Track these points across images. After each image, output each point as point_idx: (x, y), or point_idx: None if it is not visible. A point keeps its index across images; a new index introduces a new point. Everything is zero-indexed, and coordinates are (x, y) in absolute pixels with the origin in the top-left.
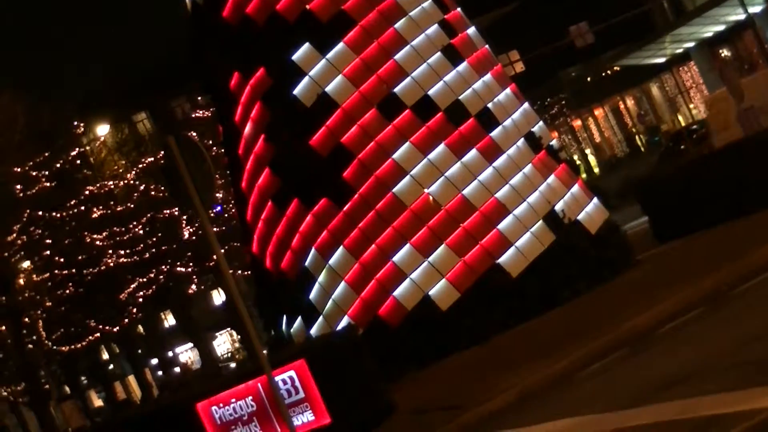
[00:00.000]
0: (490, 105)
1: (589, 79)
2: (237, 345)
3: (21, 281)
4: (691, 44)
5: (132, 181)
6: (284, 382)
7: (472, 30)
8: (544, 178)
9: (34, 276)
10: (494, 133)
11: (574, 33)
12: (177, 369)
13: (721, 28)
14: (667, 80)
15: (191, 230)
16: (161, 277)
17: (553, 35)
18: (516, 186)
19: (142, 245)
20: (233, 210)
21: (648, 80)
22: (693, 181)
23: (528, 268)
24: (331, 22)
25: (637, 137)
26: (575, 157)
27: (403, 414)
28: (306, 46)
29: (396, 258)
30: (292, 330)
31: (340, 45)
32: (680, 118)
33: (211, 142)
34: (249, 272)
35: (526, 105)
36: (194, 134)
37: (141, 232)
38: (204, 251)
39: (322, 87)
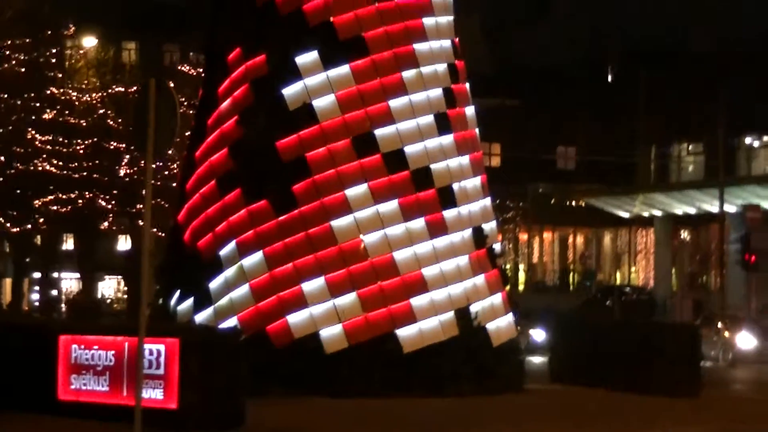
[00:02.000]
0: (455, 185)
1: (553, 201)
2: (120, 294)
3: None
4: (658, 213)
5: (95, 102)
6: (150, 352)
7: (470, 109)
8: (474, 275)
9: None
10: (447, 213)
11: (560, 153)
12: (54, 292)
13: (692, 210)
14: (622, 235)
15: (128, 171)
16: (81, 201)
17: (541, 144)
18: (445, 271)
19: (76, 164)
20: (175, 170)
21: (605, 227)
22: (600, 341)
23: (422, 350)
24: (346, 41)
25: (572, 274)
26: (508, 266)
27: (248, 428)
28: (314, 53)
29: (306, 285)
30: (179, 307)
31: (345, 67)
32: (618, 274)
33: (183, 99)
34: (163, 234)
35: (487, 200)
36: (172, 84)
37: (82, 152)
38: (131, 195)
39: (311, 98)
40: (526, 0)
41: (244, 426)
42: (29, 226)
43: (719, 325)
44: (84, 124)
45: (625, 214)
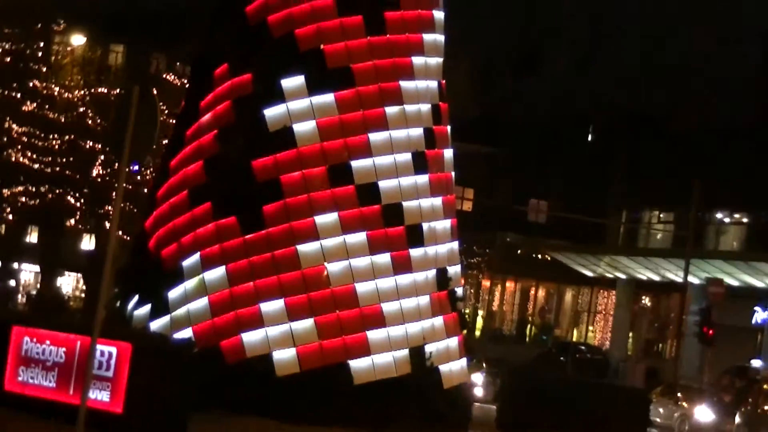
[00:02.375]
0: (425, 225)
1: (519, 251)
2: (78, 293)
3: None
4: (622, 276)
5: (76, 99)
6: (102, 354)
7: (449, 152)
8: (433, 316)
9: None
10: (414, 252)
11: (532, 206)
12: (12, 282)
13: (656, 277)
14: (584, 293)
15: (101, 172)
16: (50, 195)
17: (514, 194)
18: (404, 308)
19: (50, 159)
20: (148, 176)
21: (568, 283)
22: (551, 396)
23: (372, 384)
24: (334, 71)
25: (529, 326)
26: (467, 311)
27: None
28: (300, 78)
29: (264, 306)
30: (135, 312)
31: (330, 96)
32: (575, 332)
33: (165, 108)
34: (129, 238)
35: (455, 244)
36: (155, 92)
37: (57, 147)
38: (101, 196)
39: (292, 122)
40: (517, 53)
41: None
42: None
43: (679, 395)
44: (63, 120)
45: (590, 273)
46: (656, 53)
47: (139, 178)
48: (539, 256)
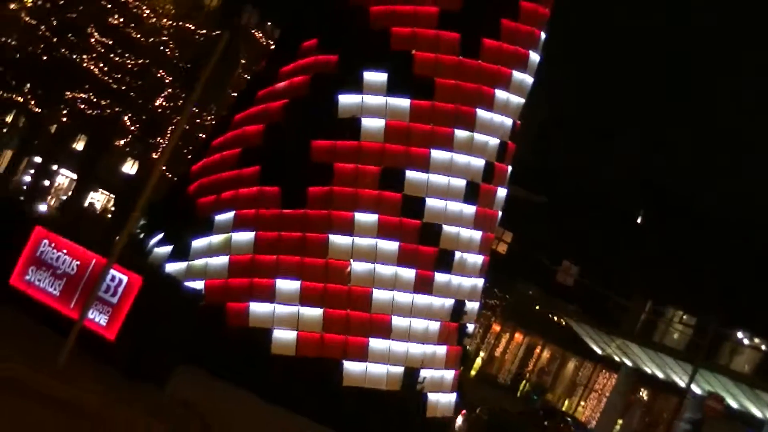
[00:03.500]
0: (457, 254)
1: (537, 307)
2: (105, 213)
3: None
4: (628, 362)
5: (162, 27)
6: (113, 278)
7: (502, 191)
8: (438, 343)
9: (23, 15)
10: (439, 276)
11: (564, 267)
12: (47, 182)
13: (660, 374)
14: (587, 367)
15: (163, 104)
16: (108, 111)
17: (551, 247)
18: (413, 327)
19: (119, 75)
20: (207, 121)
21: (574, 353)
22: None
23: (359, 390)
24: (417, 78)
25: (524, 382)
26: (469, 348)
27: (166, 388)
28: (383, 75)
29: (280, 282)
30: (156, 249)
31: (406, 101)
32: (567, 401)
33: (244, 61)
34: (171, 176)
35: (480, 281)
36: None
37: (129, 66)
38: (156, 127)
39: (362, 114)
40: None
41: (164, 385)
42: (49, 111)
43: None
44: (143, 42)
45: (598, 350)
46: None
47: (198, 120)
48: (555, 317)
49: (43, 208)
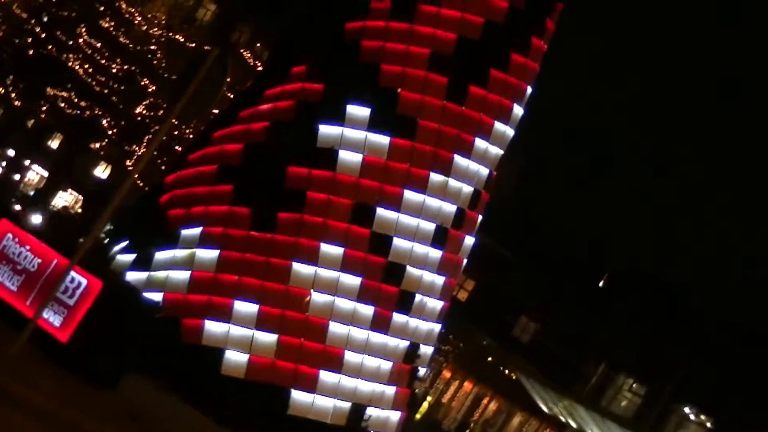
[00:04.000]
0: (418, 296)
1: (489, 359)
2: (71, 211)
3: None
4: (573, 424)
5: (151, 35)
6: (72, 280)
7: (470, 239)
8: (388, 383)
9: (15, 7)
10: (397, 317)
11: (521, 323)
12: (17, 177)
13: None
14: (531, 424)
15: (144, 112)
16: (88, 112)
17: (511, 303)
18: (365, 364)
19: (103, 78)
20: (186, 133)
21: (521, 408)
22: None
23: (302, 421)
24: (401, 117)
25: (468, 431)
26: (418, 391)
27: (114, 395)
28: (366, 109)
29: (238, 303)
30: (118, 256)
31: (386, 138)
32: None
33: (229, 79)
34: (142, 185)
35: (437, 327)
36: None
37: (114, 71)
38: (134, 135)
39: (340, 146)
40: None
41: (113, 391)
42: (29, 106)
43: None
44: (131, 49)
45: (545, 408)
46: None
47: (176, 132)
48: (507, 371)
49: (36, 220)
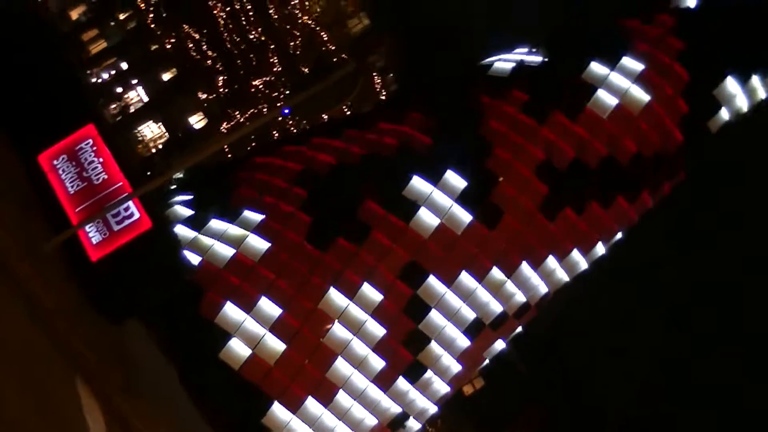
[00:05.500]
0: (428, 372)
1: None
2: (152, 144)
3: None
4: None
5: (300, 22)
6: (126, 209)
7: (500, 344)
8: None
9: None
10: (400, 383)
11: None
12: (120, 89)
13: None
14: None
15: (261, 87)
16: (209, 63)
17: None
18: (352, 411)
19: (238, 39)
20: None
21: None
22: None
23: None
24: (490, 203)
25: None
26: None
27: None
28: (462, 181)
29: (264, 301)
30: (177, 206)
31: (468, 217)
32: None
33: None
34: (230, 156)
35: (435, 408)
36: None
37: (251, 36)
38: (241, 102)
39: (424, 204)
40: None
41: (113, 327)
42: (162, 32)
43: None
44: (277, 25)
45: None
46: None
47: (280, 119)
48: None
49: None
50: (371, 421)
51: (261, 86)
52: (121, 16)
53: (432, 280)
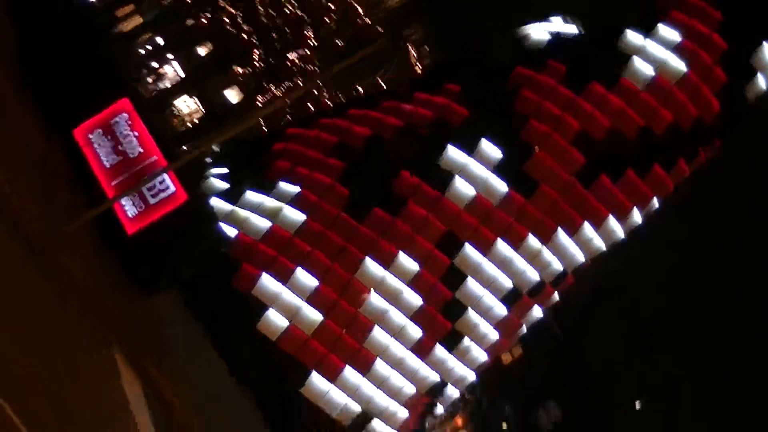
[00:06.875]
0: (465, 340)
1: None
2: (188, 119)
3: None
4: None
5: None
6: (162, 182)
7: (538, 311)
8: (402, 405)
9: None
10: (438, 350)
11: (548, 406)
12: (155, 64)
13: None
14: None
15: (296, 61)
16: (245, 37)
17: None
18: (390, 380)
19: (274, 14)
20: (324, 95)
21: None
22: None
23: (307, 403)
24: (526, 173)
25: None
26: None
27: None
28: (498, 151)
29: (300, 271)
30: (212, 179)
31: (504, 187)
32: None
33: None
34: (264, 125)
35: (472, 376)
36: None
37: (287, 10)
38: (277, 76)
39: (459, 174)
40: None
41: (144, 299)
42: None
43: None
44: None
45: None
46: None
47: (314, 92)
48: None
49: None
50: (409, 389)
51: (296, 60)
52: None
53: (468, 249)
